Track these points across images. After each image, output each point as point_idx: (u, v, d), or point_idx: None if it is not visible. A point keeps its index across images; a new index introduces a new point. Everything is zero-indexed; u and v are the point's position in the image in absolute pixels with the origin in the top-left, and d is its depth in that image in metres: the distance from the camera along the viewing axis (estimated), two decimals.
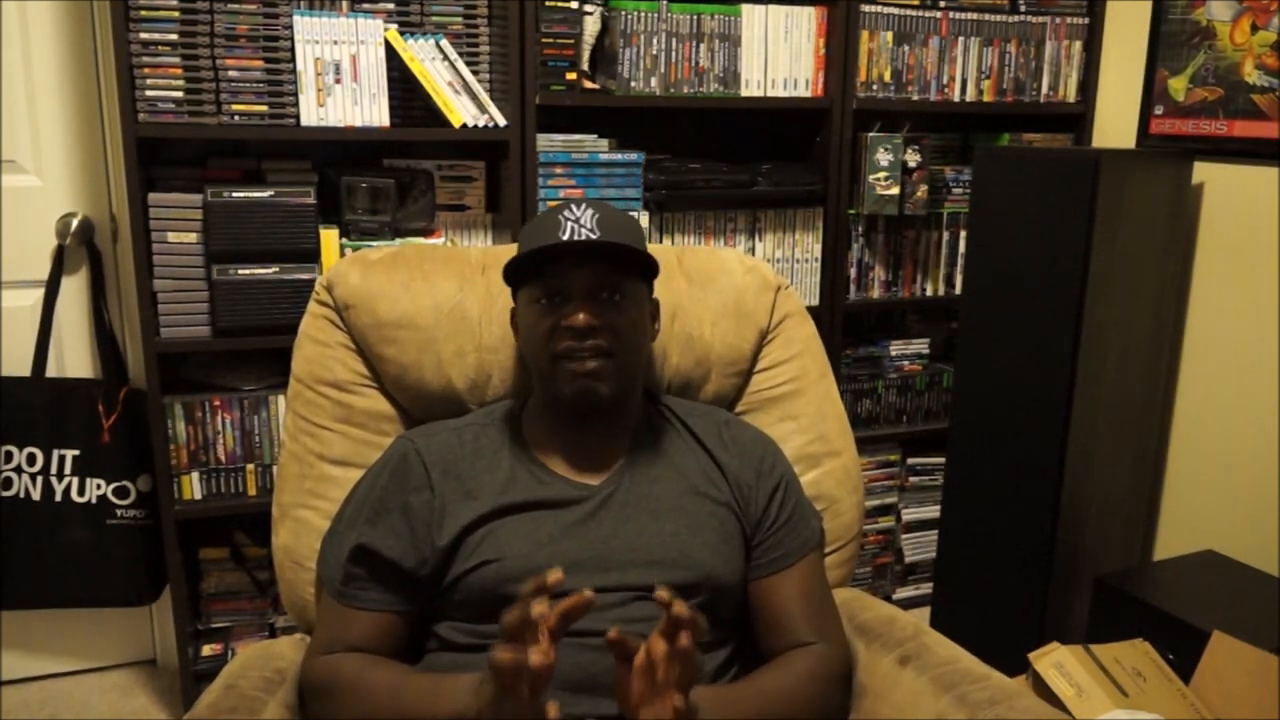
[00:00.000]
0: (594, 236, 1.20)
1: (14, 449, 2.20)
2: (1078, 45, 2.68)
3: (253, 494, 2.20)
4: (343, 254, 2.10)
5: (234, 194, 2.03)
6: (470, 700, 1.03)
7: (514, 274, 1.26)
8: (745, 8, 2.36)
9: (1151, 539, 2.54)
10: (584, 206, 1.23)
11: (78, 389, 2.23)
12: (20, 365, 2.24)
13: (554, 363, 1.22)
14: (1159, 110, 2.46)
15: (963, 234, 2.67)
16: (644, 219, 2.36)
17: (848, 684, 1.27)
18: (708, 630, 1.01)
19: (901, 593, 2.86)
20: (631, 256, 1.22)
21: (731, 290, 1.51)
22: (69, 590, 2.27)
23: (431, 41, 2.15)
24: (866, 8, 2.45)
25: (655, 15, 2.29)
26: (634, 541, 1.21)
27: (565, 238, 1.19)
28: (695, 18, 2.33)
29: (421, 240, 2.20)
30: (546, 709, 0.96)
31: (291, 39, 2.05)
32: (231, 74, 2.03)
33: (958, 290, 2.68)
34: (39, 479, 2.21)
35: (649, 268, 1.27)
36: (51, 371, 2.26)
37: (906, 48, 2.52)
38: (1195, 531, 2.43)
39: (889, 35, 2.50)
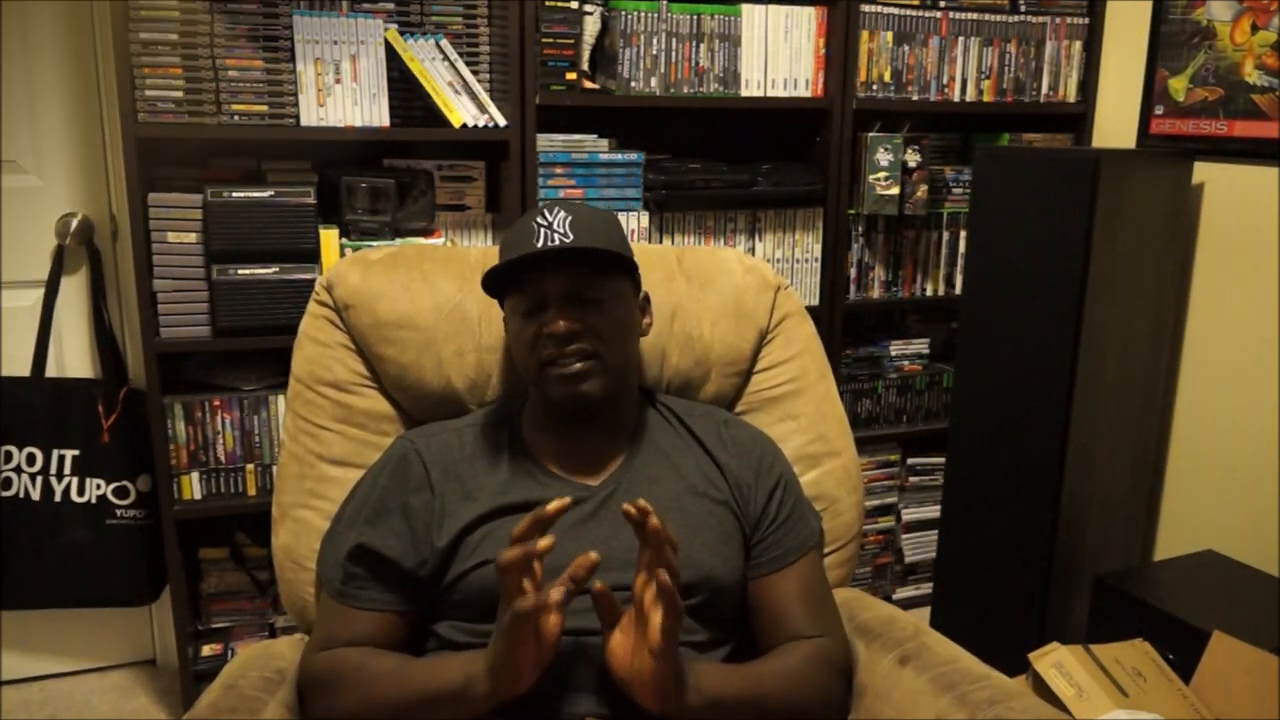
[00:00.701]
0: (567, 240, 1.19)
1: (14, 449, 2.20)
2: (1078, 45, 2.67)
3: (253, 494, 2.20)
4: (343, 254, 2.10)
5: (234, 194, 2.03)
6: (478, 658, 1.07)
7: (495, 285, 1.26)
8: (745, 8, 2.36)
9: (1151, 539, 2.54)
10: (556, 210, 1.23)
11: (78, 389, 2.23)
12: (20, 365, 2.24)
13: (541, 370, 1.23)
14: (1159, 110, 2.46)
15: (963, 234, 2.67)
16: (644, 219, 2.36)
17: (848, 679, 1.27)
18: (676, 541, 1.05)
19: (901, 593, 2.86)
20: (608, 255, 1.21)
21: (731, 290, 1.51)
22: (69, 590, 2.27)
23: (431, 41, 2.15)
24: (866, 8, 2.45)
25: (655, 15, 2.29)
26: (634, 542, 1.21)
27: (538, 245, 1.19)
28: (695, 18, 2.33)
29: (421, 240, 2.20)
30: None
31: (291, 39, 2.05)
32: (231, 74, 2.03)
33: (958, 290, 2.68)
34: (39, 479, 2.21)
35: (629, 263, 1.26)
36: (51, 371, 2.26)
37: (906, 48, 2.52)
38: (1195, 531, 2.43)
39: (889, 35, 2.49)
